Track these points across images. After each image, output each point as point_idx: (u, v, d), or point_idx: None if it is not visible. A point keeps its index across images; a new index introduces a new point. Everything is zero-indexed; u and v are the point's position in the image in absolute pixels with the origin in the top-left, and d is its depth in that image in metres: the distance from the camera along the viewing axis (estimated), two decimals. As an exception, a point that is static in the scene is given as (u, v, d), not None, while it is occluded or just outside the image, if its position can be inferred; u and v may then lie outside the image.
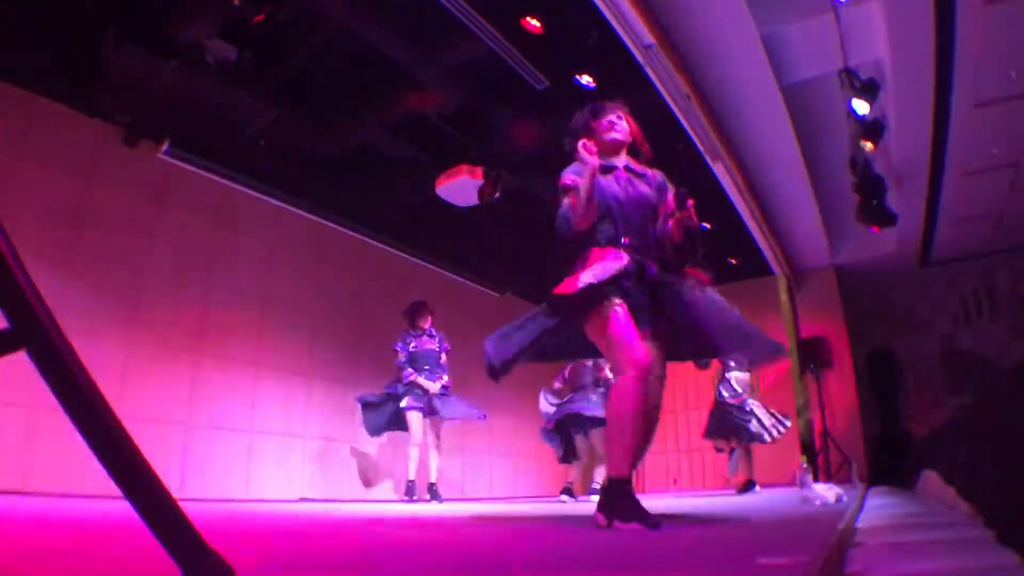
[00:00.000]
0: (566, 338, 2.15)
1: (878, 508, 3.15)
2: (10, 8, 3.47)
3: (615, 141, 2.19)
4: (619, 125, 2.20)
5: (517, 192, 5.60)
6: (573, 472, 5.38)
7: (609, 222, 2.10)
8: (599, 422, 4.59)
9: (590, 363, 4.98)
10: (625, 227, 2.09)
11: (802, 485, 3.46)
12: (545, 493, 7.23)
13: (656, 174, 2.27)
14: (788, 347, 7.23)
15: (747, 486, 5.37)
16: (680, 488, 7.91)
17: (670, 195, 2.17)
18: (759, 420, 5.35)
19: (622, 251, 2.04)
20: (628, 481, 1.91)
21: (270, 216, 5.31)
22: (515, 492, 7.25)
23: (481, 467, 6.99)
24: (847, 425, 7.46)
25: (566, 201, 2.09)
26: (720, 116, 5.10)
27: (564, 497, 5.16)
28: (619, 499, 1.87)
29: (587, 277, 1.92)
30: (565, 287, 1.97)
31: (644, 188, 2.17)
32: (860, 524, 2.20)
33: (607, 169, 2.15)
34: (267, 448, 4.92)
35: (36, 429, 3.53)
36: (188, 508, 0.59)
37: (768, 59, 4.44)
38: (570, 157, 2.19)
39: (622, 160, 2.23)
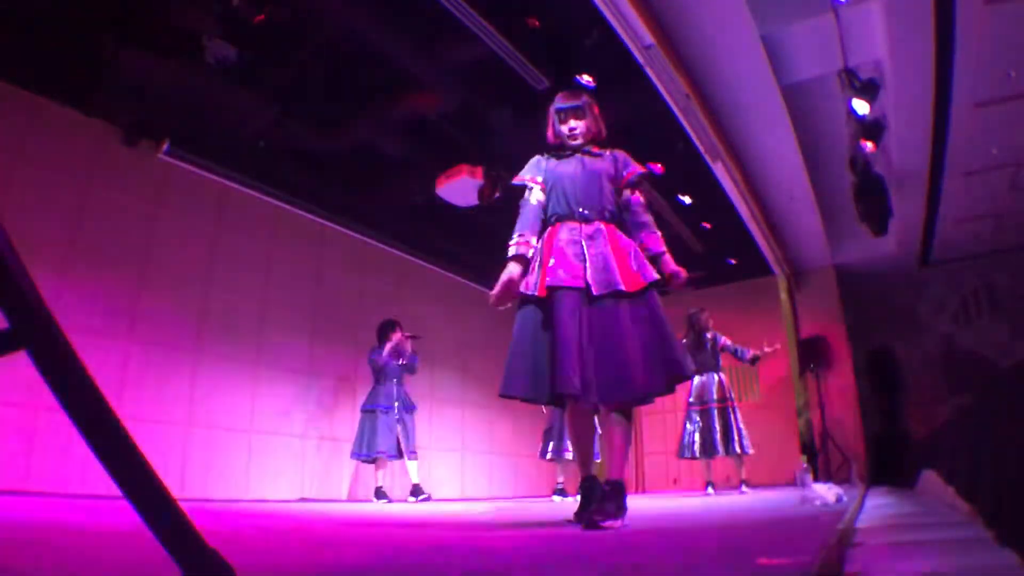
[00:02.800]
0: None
1: (878, 508, 3.15)
2: (10, 8, 3.47)
3: (576, 145, 2.42)
4: (577, 130, 2.41)
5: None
6: (561, 472, 5.44)
7: (562, 198, 2.32)
8: None
9: None
10: (576, 200, 2.30)
11: (802, 485, 3.46)
12: (545, 494, 7.24)
13: (615, 153, 2.44)
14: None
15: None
16: (680, 488, 7.91)
17: (631, 168, 2.40)
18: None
19: (576, 224, 2.25)
20: (584, 479, 2.28)
21: (270, 216, 5.31)
22: (514, 492, 7.25)
23: (481, 467, 6.99)
24: (847, 425, 7.46)
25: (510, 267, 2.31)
26: (720, 116, 5.10)
27: (556, 498, 5.16)
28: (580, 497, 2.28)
29: (552, 279, 2.13)
30: (537, 287, 2.18)
31: (599, 163, 2.38)
32: (860, 524, 2.20)
33: (563, 156, 2.43)
34: (267, 448, 4.92)
35: (37, 429, 3.53)
36: (188, 508, 0.59)
37: (768, 59, 4.44)
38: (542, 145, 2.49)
39: (581, 149, 2.45)
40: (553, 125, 2.46)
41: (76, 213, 4.08)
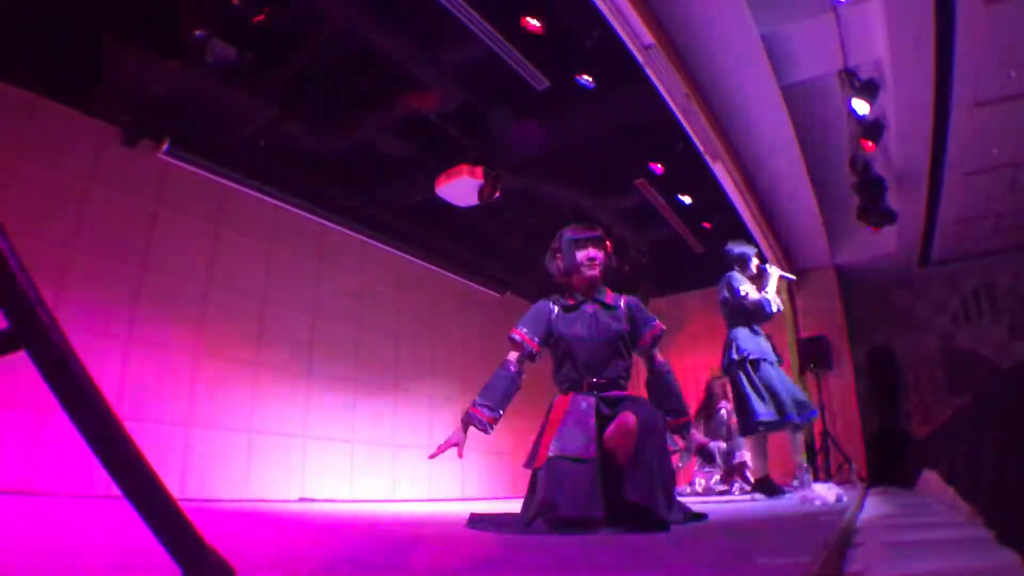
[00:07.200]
0: None
1: (878, 508, 3.15)
2: (10, 8, 3.47)
3: (592, 278, 2.24)
4: (597, 260, 2.24)
5: (517, 192, 5.60)
6: None
7: (571, 365, 2.16)
8: None
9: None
10: (588, 368, 2.14)
11: (802, 485, 3.46)
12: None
13: (628, 303, 2.29)
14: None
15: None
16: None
17: (651, 327, 2.26)
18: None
19: (583, 399, 2.08)
20: None
21: (270, 216, 5.30)
22: (513, 492, 7.25)
23: (480, 467, 6.99)
24: (847, 425, 7.46)
25: (511, 355, 2.21)
26: (720, 116, 5.10)
27: None
28: None
29: (554, 449, 1.95)
30: (536, 458, 2.01)
31: (611, 323, 2.21)
32: (860, 524, 2.20)
33: (571, 307, 2.24)
34: (267, 448, 4.92)
35: (38, 429, 3.53)
36: (188, 508, 0.59)
37: (768, 59, 4.44)
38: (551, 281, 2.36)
39: (593, 292, 2.27)
40: (564, 255, 2.26)
41: (76, 213, 4.07)
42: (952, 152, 5.38)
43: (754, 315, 3.85)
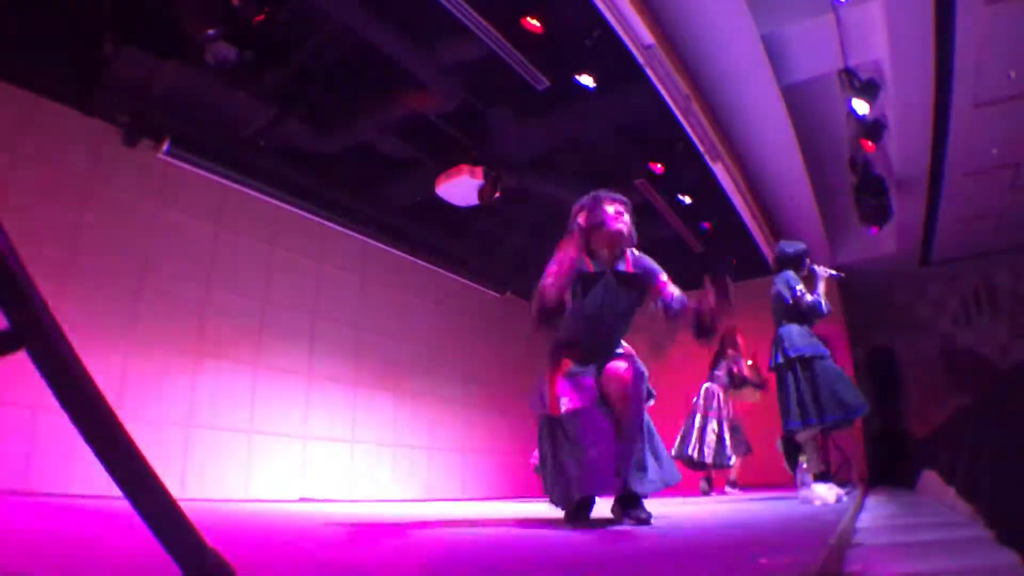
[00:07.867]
0: None
1: (878, 508, 3.15)
2: (10, 8, 3.47)
3: (619, 233, 2.19)
4: (624, 217, 2.21)
5: (517, 192, 5.60)
6: None
7: (580, 335, 2.20)
8: None
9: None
10: (596, 345, 2.19)
11: (802, 485, 3.46)
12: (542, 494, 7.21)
13: (643, 265, 2.29)
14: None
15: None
16: (678, 490, 7.89)
17: (660, 281, 2.30)
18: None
19: (584, 371, 2.14)
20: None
21: (270, 216, 5.30)
22: (514, 492, 7.25)
23: (482, 467, 6.99)
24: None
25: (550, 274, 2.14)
26: (720, 116, 5.10)
27: None
28: None
29: (565, 403, 2.06)
30: (546, 406, 2.13)
31: (627, 296, 2.23)
32: (860, 524, 2.20)
33: (590, 277, 2.18)
34: (267, 448, 4.92)
35: (38, 429, 3.53)
36: (188, 508, 0.59)
37: (768, 59, 4.44)
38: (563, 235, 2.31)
39: (614, 259, 2.24)
40: (591, 211, 2.23)
41: (76, 213, 4.07)
42: (952, 152, 5.38)
43: (807, 316, 3.82)
